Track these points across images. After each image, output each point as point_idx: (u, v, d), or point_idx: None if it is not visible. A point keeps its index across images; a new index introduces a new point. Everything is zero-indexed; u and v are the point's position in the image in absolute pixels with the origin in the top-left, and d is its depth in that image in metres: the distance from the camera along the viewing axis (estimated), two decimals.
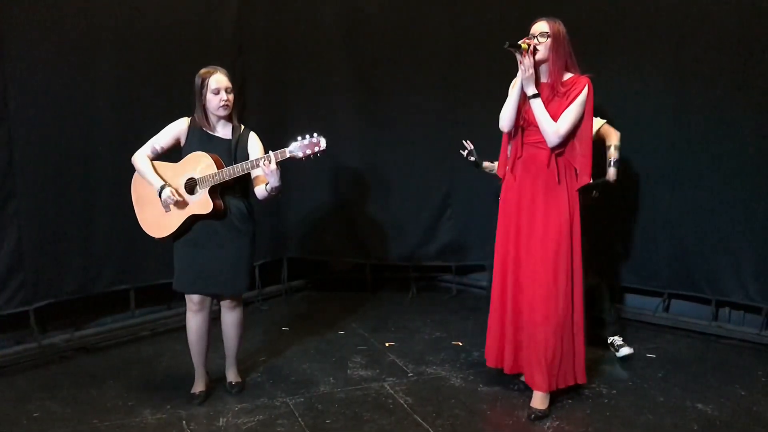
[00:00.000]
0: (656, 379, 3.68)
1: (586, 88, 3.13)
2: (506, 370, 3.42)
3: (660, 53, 4.29)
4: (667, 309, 4.61)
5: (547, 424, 3.15)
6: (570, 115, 3.12)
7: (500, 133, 3.36)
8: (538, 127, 3.17)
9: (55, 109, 3.91)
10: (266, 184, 3.18)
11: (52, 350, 3.99)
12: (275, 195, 3.23)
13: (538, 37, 3.11)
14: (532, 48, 3.08)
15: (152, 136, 3.37)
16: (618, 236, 4.61)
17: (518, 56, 3.07)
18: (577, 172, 3.22)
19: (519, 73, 3.12)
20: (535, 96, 3.13)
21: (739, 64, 4.01)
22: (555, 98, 3.16)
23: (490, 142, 3.81)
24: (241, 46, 4.79)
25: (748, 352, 4.13)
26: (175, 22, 4.38)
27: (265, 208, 4.88)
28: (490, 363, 3.52)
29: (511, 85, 3.27)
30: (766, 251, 4.06)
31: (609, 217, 4.45)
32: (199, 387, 3.44)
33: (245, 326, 3.57)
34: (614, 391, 3.53)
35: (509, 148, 3.36)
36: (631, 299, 4.76)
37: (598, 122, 3.76)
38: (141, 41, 4.23)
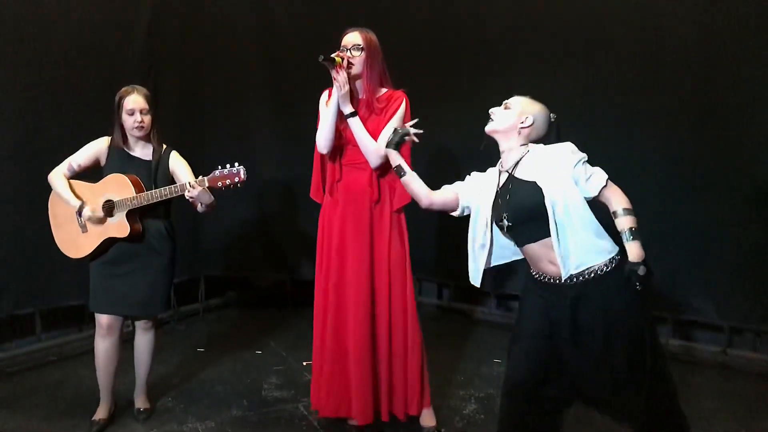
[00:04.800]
0: None
1: (404, 103, 3.01)
2: (357, 417, 3.14)
3: (569, 64, 4.39)
4: None
5: None
6: None
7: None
8: (357, 146, 3.02)
9: None
10: (196, 207, 3.14)
11: None
12: (211, 210, 3.19)
13: (351, 51, 2.94)
14: (346, 62, 2.90)
15: (56, 153, 3.27)
16: None
17: (332, 71, 2.88)
18: (397, 191, 3.09)
19: (333, 90, 2.95)
20: (352, 114, 2.96)
21: (643, 78, 4.16)
22: (372, 115, 3.02)
23: None
24: (152, 61, 4.67)
25: None
26: (83, 35, 4.23)
27: (182, 224, 4.77)
28: (329, 412, 3.20)
29: (322, 102, 3.11)
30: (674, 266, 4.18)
31: None
32: (100, 414, 3.31)
33: (157, 349, 3.47)
34: None
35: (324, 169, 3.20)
36: None
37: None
38: (47, 56, 4.06)
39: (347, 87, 2.90)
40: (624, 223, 2.32)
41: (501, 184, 2.51)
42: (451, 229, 4.73)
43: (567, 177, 2.34)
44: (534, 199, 2.35)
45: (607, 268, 2.33)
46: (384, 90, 3.06)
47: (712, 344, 4.25)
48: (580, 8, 4.33)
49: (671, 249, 4.13)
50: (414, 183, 2.70)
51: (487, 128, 2.52)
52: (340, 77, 2.87)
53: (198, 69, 5.00)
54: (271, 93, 5.14)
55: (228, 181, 2.98)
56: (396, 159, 2.72)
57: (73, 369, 4.05)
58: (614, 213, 2.35)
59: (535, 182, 2.38)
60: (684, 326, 4.36)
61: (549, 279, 2.40)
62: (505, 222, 2.44)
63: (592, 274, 2.33)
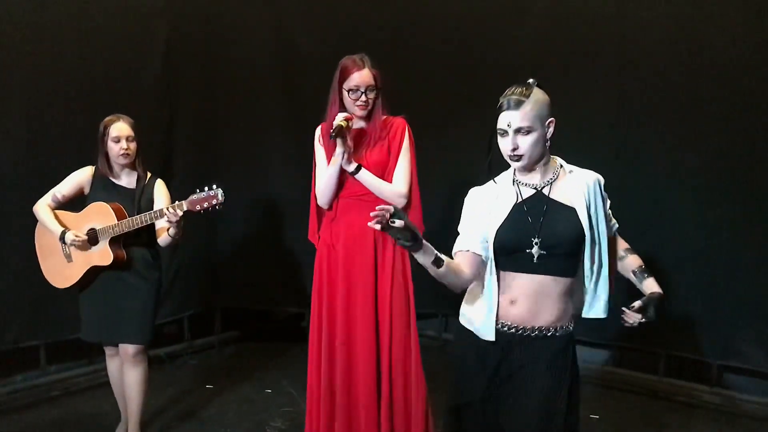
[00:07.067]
0: None
1: (407, 134, 2.86)
2: None
3: (603, 83, 4.10)
4: None
5: None
6: (404, 169, 2.86)
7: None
8: (355, 178, 2.84)
9: None
10: (168, 230, 3.09)
11: None
12: (177, 240, 3.15)
13: (367, 93, 2.78)
14: (352, 122, 2.78)
15: None
16: None
17: (340, 139, 2.71)
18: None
19: (338, 151, 2.76)
20: (358, 169, 2.80)
21: (681, 105, 3.86)
22: (374, 143, 2.85)
23: None
24: (169, 84, 4.56)
25: None
26: (99, 63, 4.14)
27: (197, 254, 4.68)
28: None
29: (317, 140, 2.99)
30: (717, 304, 3.85)
31: None
32: (121, 429, 3.42)
33: (151, 382, 3.36)
34: None
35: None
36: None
37: None
38: (62, 83, 3.99)
39: (351, 147, 2.77)
40: None
41: (520, 200, 2.05)
42: None
43: (603, 214, 2.07)
44: (574, 229, 2.01)
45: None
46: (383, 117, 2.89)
47: (762, 395, 3.85)
48: (608, 30, 4.05)
49: (718, 290, 3.82)
50: (449, 275, 2.04)
51: (520, 166, 2.04)
52: (348, 142, 2.75)
53: (215, 96, 4.87)
54: (290, 122, 4.95)
55: (206, 204, 2.92)
56: (431, 254, 1.98)
57: (76, 406, 3.91)
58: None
59: (574, 209, 2.02)
60: (730, 373, 3.97)
61: (505, 327, 2.06)
62: (535, 249, 1.99)
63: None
